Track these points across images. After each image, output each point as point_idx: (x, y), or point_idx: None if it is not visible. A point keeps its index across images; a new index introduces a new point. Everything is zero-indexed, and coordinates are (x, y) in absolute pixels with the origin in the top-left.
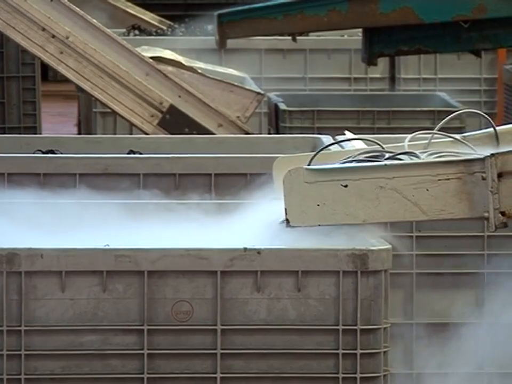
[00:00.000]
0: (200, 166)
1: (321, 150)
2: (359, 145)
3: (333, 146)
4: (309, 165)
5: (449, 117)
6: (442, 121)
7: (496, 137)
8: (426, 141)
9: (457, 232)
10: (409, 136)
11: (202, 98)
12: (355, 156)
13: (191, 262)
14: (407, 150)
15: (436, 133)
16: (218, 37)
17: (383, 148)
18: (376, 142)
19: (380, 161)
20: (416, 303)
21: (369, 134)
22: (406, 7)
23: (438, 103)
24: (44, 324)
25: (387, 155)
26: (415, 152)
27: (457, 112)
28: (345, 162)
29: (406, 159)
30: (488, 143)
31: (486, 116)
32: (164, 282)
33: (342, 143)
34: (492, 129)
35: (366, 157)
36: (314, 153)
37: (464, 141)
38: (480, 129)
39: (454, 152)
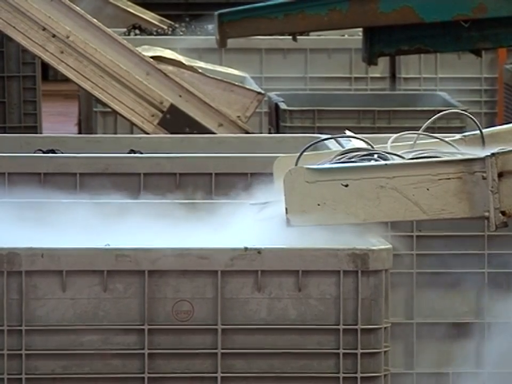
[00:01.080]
0: (200, 166)
1: (304, 151)
2: (358, 144)
3: (315, 146)
4: (296, 165)
5: (434, 117)
6: (427, 122)
7: (482, 139)
8: (426, 141)
9: (457, 232)
10: (394, 136)
11: (202, 97)
12: (337, 156)
13: (191, 262)
14: (374, 151)
15: (421, 134)
16: (219, 36)
17: (372, 147)
18: (365, 141)
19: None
20: (416, 303)
21: (370, 134)
22: (407, 6)
23: (439, 102)
24: (45, 324)
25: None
26: (380, 152)
27: (442, 113)
28: (333, 162)
29: (389, 158)
30: (487, 142)
31: (472, 116)
32: (164, 282)
33: (342, 142)
34: (491, 129)
35: (351, 157)
36: (315, 152)
37: (449, 142)
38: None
39: (439, 152)
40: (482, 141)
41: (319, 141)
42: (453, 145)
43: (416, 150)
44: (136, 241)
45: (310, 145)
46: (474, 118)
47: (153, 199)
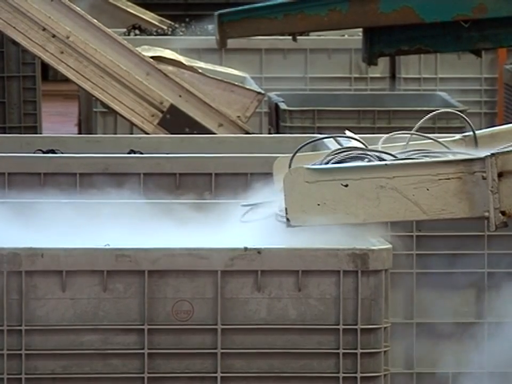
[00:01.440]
0: (200, 166)
1: (296, 152)
2: (358, 143)
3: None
4: (289, 166)
5: (426, 117)
6: (419, 122)
7: (475, 140)
8: (424, 142)
9: (457, 232)
10: (385, 136)
11: (202, 98)
12: (328, 156)
13: (191, 262)
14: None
15: (413, 134)
16: (219, 36)
17: (366, 146)
18: (359, 140)
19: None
20: (416, 303)
21: (370, 134)
22: (407, 6)
23: (439, 102)
24: (45, 324)
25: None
26: (369, 151)
27: (434, 113)
28: (323, 162)
29: (376, 158)
30: (487, 142)
31: (465, 117)
32: (164, 282)
33: (342, 142)
34: (491, 129)
35: (341, 157)
36: (313, 153)
37: (441, 142)
38: (480, 129)
39: (431, 152)
40: (475, 141)
41: (311, 142)
42: (445, 146)
43: (408, 150)
44: (136, 241)
45: (302, 147)
46: (466, 118)
47: (153, 199)
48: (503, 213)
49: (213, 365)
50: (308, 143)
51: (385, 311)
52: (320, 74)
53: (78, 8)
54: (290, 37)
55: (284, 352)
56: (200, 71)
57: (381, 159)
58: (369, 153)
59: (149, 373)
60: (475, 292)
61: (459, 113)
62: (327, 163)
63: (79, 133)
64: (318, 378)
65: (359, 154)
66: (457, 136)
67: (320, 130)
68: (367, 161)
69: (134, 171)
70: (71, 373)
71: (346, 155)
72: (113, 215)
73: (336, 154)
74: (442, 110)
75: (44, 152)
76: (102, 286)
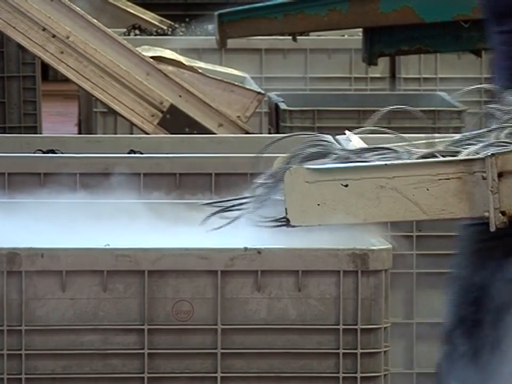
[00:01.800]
0: (200, 166)
1: (268, 148)
2: (359, 143)
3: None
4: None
5: (380, 113)
6: (374, 118)
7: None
8: (422, 142)
9: (457, 232)
10: (351, 134)
11: (202, 98)
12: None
13: (191, 262)
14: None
15: (389, 129)
16: (219, 36)
17: (340, 144)
18: (335, 138)
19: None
20: (416, 303)
21: (370, 134)
22: (407, 6)
23: (439, 102)
24: (44, 324)
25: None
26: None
27: (386, 109)
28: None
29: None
30: None
31: (423, 115)
32: (164, 282)
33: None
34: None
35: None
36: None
37: (412, 140)
38: (480, 129)
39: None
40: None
41: (274, 142)
42: (412, 143)
43: (373, 147)
44: (136, 241)
45: (268, 146)
46: (424, 117)
47: (153, 199)
48: (503, 213)
49: (213, 365)
50: (271, 143)
51: (385, 311)
52: (320, 74)
53: (78, 8)
54: (290, 37)
55: (283, 352)
56: (200, 71)
57: (346, 157)
58: (333, 149)
59: (149, 373)
60: None
61: (416, 110)
62: (287, 163)
63: (79, 133)
64: (318, 378)
65: (322, 150)
66: (458, 136)
67: (320, 130)
68: (332, 158)
69: (134, 171)
70: (71, 373)
71: (309, 152)
72: (113, 215)
73: (300, 153)
74: (402, 107)
75: (44, 152)
76: (102, 286)
